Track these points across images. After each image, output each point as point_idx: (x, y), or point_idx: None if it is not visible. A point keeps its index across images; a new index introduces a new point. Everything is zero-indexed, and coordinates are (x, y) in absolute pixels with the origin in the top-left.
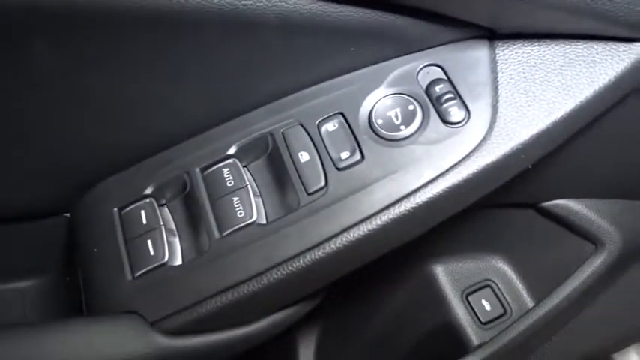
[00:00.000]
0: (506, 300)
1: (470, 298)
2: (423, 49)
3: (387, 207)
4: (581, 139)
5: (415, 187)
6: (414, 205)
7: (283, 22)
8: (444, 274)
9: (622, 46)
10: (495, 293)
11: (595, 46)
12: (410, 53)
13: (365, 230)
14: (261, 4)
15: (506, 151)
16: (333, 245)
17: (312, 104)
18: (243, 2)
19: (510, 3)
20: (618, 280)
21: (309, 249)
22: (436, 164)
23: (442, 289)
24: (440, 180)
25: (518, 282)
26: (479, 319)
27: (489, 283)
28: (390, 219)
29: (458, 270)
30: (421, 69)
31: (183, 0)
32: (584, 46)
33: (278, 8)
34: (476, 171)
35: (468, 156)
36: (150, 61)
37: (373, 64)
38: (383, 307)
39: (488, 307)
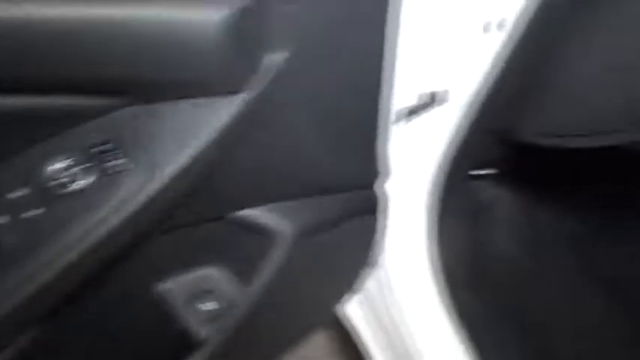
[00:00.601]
0: (226, 299)
1: (196, 305)
2: (94, 118)
3: (69, 248)
4: (224, 171)
5: (89, 229)
6: (93, 242)
7: None
8: (170, 289)
9: (222, 99)
10: (217, 295)
11: (207, 101)
12: (83, 122)
13: (55, 269)
14: None
15: (156, 190)
16: (31, 287)
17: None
18: None
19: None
20: (306, 257)
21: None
22: (103, 208)
23: (171, 303)
24: (108, 219)
25: (232, 282)
26: (206, 320)
27: (211, 287)
28: (70, 259)
29: (181, 283)
30: (91, 133)
31: None
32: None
33: None
34: (134, 209)
35: (131, 198)
36: None
37: (58, 133)
38: (124, 329)
39: (212, 307)
